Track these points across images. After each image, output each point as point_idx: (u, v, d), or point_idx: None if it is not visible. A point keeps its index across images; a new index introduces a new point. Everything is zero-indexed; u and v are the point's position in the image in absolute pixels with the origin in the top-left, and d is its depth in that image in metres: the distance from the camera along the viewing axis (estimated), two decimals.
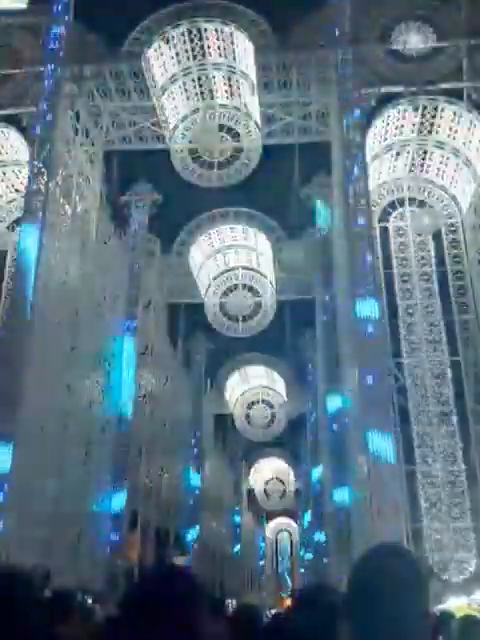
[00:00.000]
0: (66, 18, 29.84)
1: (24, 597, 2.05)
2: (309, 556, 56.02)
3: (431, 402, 31.62)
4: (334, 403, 31.92)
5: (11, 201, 34.27)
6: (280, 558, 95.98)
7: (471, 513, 29.56)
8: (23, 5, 31.58)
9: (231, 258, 46.45)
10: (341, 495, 29.57)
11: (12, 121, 29.53)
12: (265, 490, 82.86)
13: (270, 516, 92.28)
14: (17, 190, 32.98)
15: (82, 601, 21.00)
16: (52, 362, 26.45)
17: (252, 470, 76.80)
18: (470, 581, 27.10)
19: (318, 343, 38.62)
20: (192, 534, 48.06)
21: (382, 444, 23.25)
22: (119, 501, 33.03)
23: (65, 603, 6.21)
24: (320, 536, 40.48)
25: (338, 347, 31.03)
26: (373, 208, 32.98)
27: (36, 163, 27.43)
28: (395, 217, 36.52)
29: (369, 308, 25.56)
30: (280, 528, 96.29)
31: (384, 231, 36.34)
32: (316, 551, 43.94)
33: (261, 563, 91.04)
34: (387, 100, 29.69)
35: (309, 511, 52.83)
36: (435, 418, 31.27)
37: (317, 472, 41.70)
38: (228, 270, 47.43)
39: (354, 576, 2.46)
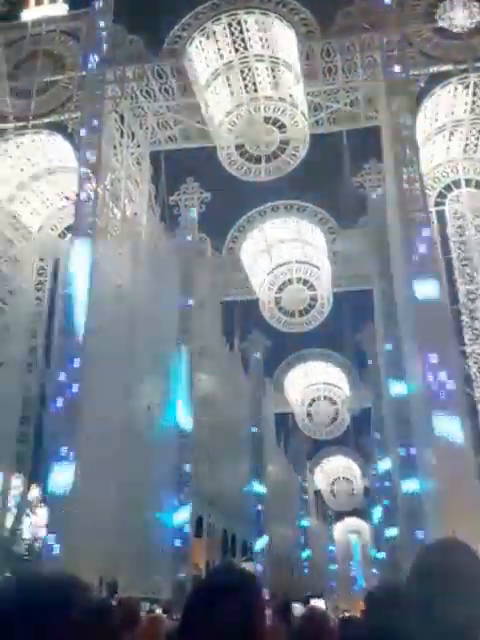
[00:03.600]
0: (105, 21, 30.65)
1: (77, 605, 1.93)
2: (381, 555, 55.66)
3: None
4: (398, 391, 31.56)
5: (61, 208, 35.24)
6: (351, 559, 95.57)
7: None
8: (63, 11, 32.53)
9: (284, 252, 46.60)
10: (410, 486, 29.30)
11: (58, 127, 30.32)
12: (332, 490, 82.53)
13: (339, 517, 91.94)
14: (67, 197, 33.92)
15: (150, 610, 21.64)
16: (110, 368, 26.91)
17: (317, 470, 76.60)
18: None
19: (378, 333, 38.51)
20: (259, 539, 48.40)
21: (452, 432, 23.05)
22: (183, 508, 33.67)
23: (130, 611, 6.35)
24: (391, 532, 40.17)
25: (399, 336, 30.98)
26: (428, 192, 32.82)
27: (84, 169, 28.28)
28: (451, 200, 36.29)
29: (429, 291, 25.54)
30: (350, 529, 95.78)
31: (441, 215, 36.13)
32: (388, 549, 43.64)
33: (332, 566, 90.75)
34: (436, 80, 29.54)
35: (379, 508, 52.46)
36: None
37: (385, 465, 41.28)
38: (282, 265, 47.58)
39: (414, 573, 2.50)
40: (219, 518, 41.18)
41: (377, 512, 55.65)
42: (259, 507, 49.17)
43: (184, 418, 35.24)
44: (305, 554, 68.47)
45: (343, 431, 62.91)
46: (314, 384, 62.45)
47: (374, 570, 71.08)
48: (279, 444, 60.75)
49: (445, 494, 22.40)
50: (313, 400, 63.40)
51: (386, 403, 36.24)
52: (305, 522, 69.73)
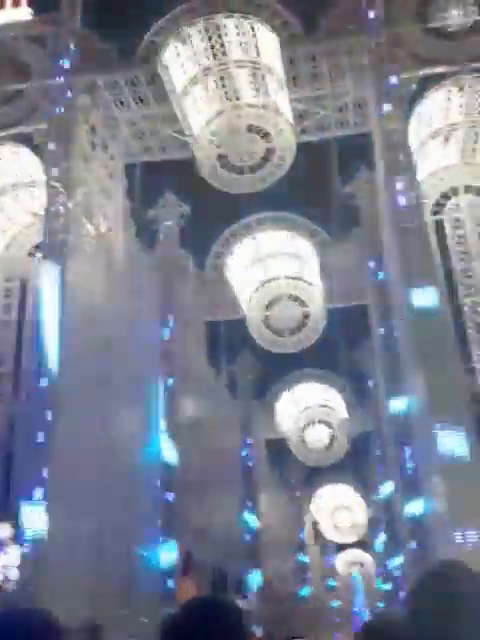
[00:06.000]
0: (74, 26, 30.57)
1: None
2: (387, 587, 55.17)
3: None
4: (398, 407, 31.32)
5: (29, 225, 34.97)
6: (354, 593, 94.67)
7: None
8: (28, 16, 32.43)
9: (272, 267, 46.45)
10: (415, 508, 28.91)
11: (23, 139, 30.09)
12: (332, 521, 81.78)
13: (340, 548, 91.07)
14: (34, 213, 33.67)
15: None
16: (84, 395, 26.67)
17: (315, 499, 75.90)
18: None
19: (376, 351, 38.33)
20: (253, 575, 47.92)
21: (456, 447, 23.21)
22: (169, 544, 33.36)
23: None
24: (396, 561, 39.74)
25: (399, 351, 30.86)
26: (424, 201, 32.89)
27: (53, 183, 28.12)
28: (450, 208, 36.38)
29: (427, 301, 25.66)
30: (352, 561, 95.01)
31: (439, 225, 36.20)
32: (394, 579, 43.25)
33: (334, 601, 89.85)
34: (429, 83, 29.69)
35: (382, 535, 51.96)
36: None
37: (387, 488, 40.98)
38: (270, 280, 47.48)
39: (414, 601, 2.54)
40: (208, 553, 40.65)
41: (380, 540, 55.16)
42: (252, 540, 48.67)
43: (168, 448, 34.96)
44: (304, 589, 67.63)
45: (341, 456, 62.38)
46: (309, 407, 62.08)
47: (380, 604, 70.45)
48: (272, 472, 60.16)
49: (451, 514, 22.35)
50: (308, 424, 63.00)
51: (387, 422, 35.99)
52: (303, 555, 69.03)
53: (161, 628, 2.53)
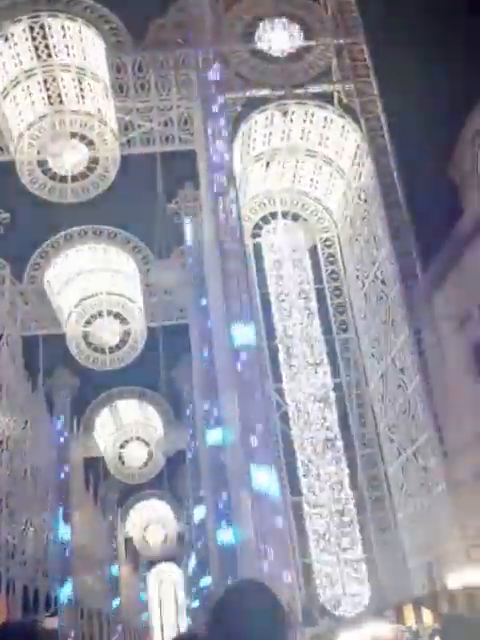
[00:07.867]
0: None
1: None
2: (196, 604, 54.80)
3: (315, 428, 31.49)
4: (214, 436, 30.95)
5: None
6: (164, 609, 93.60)
7: (361, 543, 29.64)
8: None
9: (93, 282, 44.52)
10: (225, 535, 28.56)
11: None
12: (144, 537, 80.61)
13: (152, 564, 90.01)
14: None
15: None
16: None
17: (129, 516, 74.56)
18: (364, 615, 27.14)
19: (194, 371, 37.60)
20: (64, 592, 45.72)
21: (265, 477, 22.98)
22: None
23: None
24: (206, 581, 39.44)
25: (216, 374, 30.18)
26: (245, 223, 32.51)
27: None
28: (268, 232, 36.19)
29: (245, 333, 25.08)
30: (163, 576, 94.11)
31: (258, 247, 35.94)
32: (203, 598, 42.79)
33: (144, 617, 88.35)
34: (253, 105, 29.24)
35: (193, 555, 51.64)
36: (320, 444, 31.16)
37: (199, 512, 40.63)
38: (91, 296, 45.45)
39: (211, 621, 2.52)
40: (20, 572, 38.25)
41: (191, 560, 54.80)
42: (64, 557, 46.52)
43: None
44: (114, 605, 65.87)
45: (157, 474, 61.51)
46: (126, 425, 60.70)
47: (188, 619, 70.14)
48: (88, 490, 57.97)
49: (260, 541, 21.95)
50: (125, 442, 61.61)
51: (201, 445, 35.37)
52: (115, 571, 67.31)
53: None
